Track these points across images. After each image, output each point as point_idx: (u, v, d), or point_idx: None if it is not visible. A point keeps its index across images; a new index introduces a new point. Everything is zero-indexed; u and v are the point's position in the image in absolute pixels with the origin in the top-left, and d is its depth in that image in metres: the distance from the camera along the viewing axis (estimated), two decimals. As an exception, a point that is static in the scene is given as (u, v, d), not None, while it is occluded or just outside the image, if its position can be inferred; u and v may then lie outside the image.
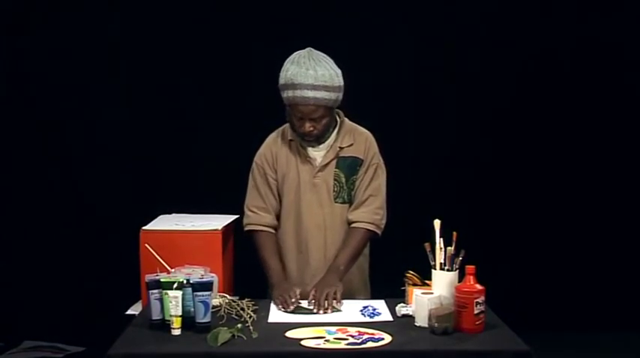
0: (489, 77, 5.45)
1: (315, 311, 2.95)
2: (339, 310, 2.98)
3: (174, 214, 3.51)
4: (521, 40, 5.44)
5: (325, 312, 2.94)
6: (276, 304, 3.02)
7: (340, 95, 3.13)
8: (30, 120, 5.44)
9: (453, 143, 5.47)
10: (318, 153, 3.22)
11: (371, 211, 3.20)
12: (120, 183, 5.39)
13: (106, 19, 5.38)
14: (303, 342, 2.59)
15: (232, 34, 5.35)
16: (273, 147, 3.26)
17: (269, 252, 3.23)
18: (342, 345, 2.57)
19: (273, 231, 3.27)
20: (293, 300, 2.99)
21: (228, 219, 3.38)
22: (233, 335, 2.63)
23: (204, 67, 5.37)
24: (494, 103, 5.50)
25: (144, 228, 3.23)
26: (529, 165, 5.54)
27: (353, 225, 3.21)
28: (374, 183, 3.23)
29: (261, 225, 3.26)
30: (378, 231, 3.22)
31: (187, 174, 5.38)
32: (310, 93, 3.04)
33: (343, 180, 3.21)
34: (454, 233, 2.81)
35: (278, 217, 3.29)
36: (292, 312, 2.95)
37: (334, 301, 2.97)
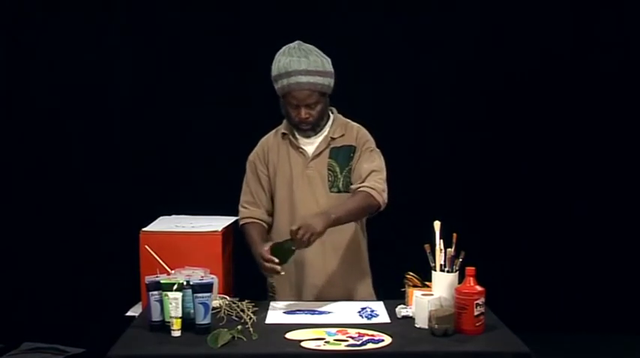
0: (489, 78, 5.45)
1: (293, 247, 2.96)
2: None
3: (174, 216, 3.51)
4: (521, 40, 5.45)
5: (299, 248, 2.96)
6: (267, 274, 3.07)
7: (332, 82, 3.19)
8: (30, 121, 5.45)
9: (453, 144, 5.48)
10: (310, 146, 3.25)
11: (373, 180, 3.16)
12: (120, 184, 5.39)
13: (107, 18, 5.38)
14: (303, 344, 2.59)
15: (232, 36, 5.36)
16: (265, 144, 3.32)
17: (254, 235, 3.20)
18: (342, 347, 2.57)
19: (261, 222, 3.27)
20: (267, 260, 2.97)
21: (228, 220, 3.38)
22: (233, 337, 2.63)
23: (204, 69, 5.38)
24: (494, 104, 5.50)
25: (144, 229, 3.23)
26: (529, 166, 5.54)
27: (355, 190, 3.18)
28: (374, 162, 3.21)
29: (250, 217, 3.28)
30: (380, 200, 3.14)
31: (187, 175, 5.38)
32: (304, 79, 3.10)
33: (337, 169, 3.23)
34: (454, 234, 2.81)
35: (270, 213, 3.30)
36: (274, 254, 2.96)
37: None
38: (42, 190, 5.46)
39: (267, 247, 3.02)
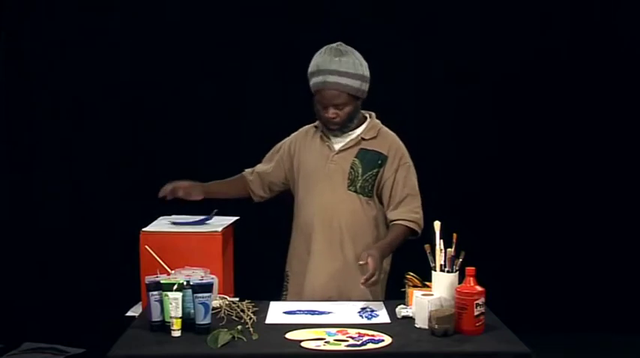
0: (489, 80, 5.45)
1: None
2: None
3: (174, 216, 3.51)
4: (521, 41, 5.45)
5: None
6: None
7: (364, 85, 3.22)
8: (30, 121, 5.44)
9: (452, 144, 5.47)
10: (340, 143, 3.28)
11: (410, 210, 3.24)
12: (120, 184, 5.39)
13: (106, 19, 5.38)
14: (303, 344, 2.59)
15: (232, 37, 5.35)
16: (299, 134, 3.41)
17: (226, 180, 3.52)
18: (342, 347, 2.57)
19: (246, 179, 3.48)
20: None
21: (228, 220, 3.38)
22: (233, 337, 2.63)
23: (205, 69, 5.38)
24: (494, 106, 5.50)
25: (144, 229, 3.23)
26: (529, 167, 5.54)
27: (393, 222, 3.24)
28: (410, 183, 3.28)
29: (243, 174, 3.50)
30: (418, 229, 3.24)
31: (187, 175, 5.35)
32: (333, 79, 3.15)
33: (360, 170, 3.25)
34: (454, 234, 2.81)
35: (266, 191, 3.47)
36: None
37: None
38: (42, 190, 5.46)
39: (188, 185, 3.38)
